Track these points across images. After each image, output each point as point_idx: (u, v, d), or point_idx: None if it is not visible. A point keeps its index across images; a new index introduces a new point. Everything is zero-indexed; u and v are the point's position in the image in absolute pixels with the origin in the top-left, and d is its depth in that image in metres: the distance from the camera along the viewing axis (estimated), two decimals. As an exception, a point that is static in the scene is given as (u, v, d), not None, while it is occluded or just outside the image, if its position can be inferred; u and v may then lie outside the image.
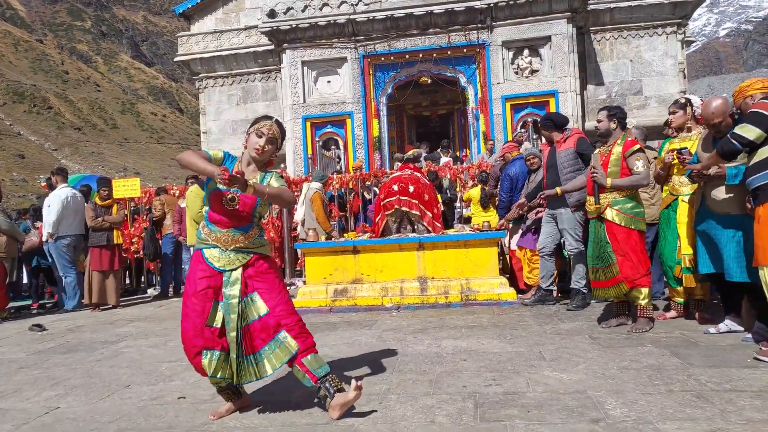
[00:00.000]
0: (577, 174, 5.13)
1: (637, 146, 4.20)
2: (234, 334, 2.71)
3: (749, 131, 3.28)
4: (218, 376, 2.71)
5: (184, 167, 2.78)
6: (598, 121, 4.35)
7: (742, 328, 3.85)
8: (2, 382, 3.83)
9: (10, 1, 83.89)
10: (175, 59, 15.12)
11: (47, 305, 7.87)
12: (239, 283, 2.74)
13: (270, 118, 2.89)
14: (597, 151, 4.48)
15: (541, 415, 2.55)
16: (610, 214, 4.18)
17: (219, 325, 2.72)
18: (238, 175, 2.51)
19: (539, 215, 5.73)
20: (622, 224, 4.15)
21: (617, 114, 4.31)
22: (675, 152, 4.10)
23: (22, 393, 3.51)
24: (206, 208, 2.86)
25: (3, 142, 51.39)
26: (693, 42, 22.18)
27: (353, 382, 2.67)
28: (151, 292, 9.01)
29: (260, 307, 2.73)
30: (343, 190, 9.39)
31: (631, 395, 2.74)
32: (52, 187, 7.61)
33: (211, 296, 2.74)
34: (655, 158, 4.95)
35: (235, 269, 2.75)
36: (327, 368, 2.73)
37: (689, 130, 4.39)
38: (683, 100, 4.44)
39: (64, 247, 7.26)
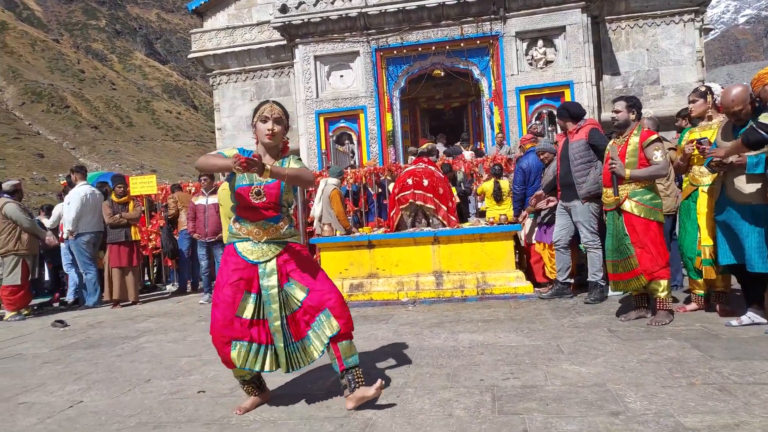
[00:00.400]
0: (588, 166, 5.07)
1: (655, 136, 4.15)
2: (278, 323, 2.73)
3: None
4: (246, 367, 2.72)
5: (205, 170, 2.81)
6: (616, 112, 4.28)
7: (765, 320, 3.79)
8: (27, 376, 3.91)
9: (26, 1, 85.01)
10: (189, 56, 15.22)
11: (67, 302, 7.99)
12: (275, 273, 2.76)
13: (266, 101, 2.90)
14: (612, 141, 4.42)
15: (559, 409, 2.53)
16: (628, 205, 4.12)
17: (249, 317, 2.73)
18: (254, 158, 2.52)
19: (550, 204, 5.68)
20: (642, 215, 4.09)
21: (636, 104, 4.26)
22: (695, 142, 4.03)
23: (46, 387, 3.57)
24: (232, 204, 2.89)
25: (23, 142, 52.23)
26: (711, 30, 21.80)
27: (378, 381, 2.69)
28: (169, 288, 9.11)
29: (299, 291, 2.75)
30: (357, 185, 9.40)
31: (652, 388, 2.71)
32: (71, 184, 7.72)
33: (242, 287, 2.73)
34: (672, 148, 4.88)
35: (269, 260, 2.77)
36: (356, 360, 2.76)
37: (710, 118, 4.31)
38: (703, 89, 4.37)
39: (84, 244, 7.36)
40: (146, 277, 9.45)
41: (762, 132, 3.27)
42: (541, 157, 5.88)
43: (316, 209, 7.62)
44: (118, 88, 73.80)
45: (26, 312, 7.00)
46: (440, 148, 11.05)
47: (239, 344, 2.70)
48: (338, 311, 2.73)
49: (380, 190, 9.37)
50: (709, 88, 4.35)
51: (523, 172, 6.22)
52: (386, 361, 3.56)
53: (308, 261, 2.85)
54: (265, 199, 2.74)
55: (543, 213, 5.90)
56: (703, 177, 4.19)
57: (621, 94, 12.82)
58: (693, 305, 4.45)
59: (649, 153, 4.11)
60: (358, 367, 2.76)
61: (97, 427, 2.77)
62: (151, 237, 9.09)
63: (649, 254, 4.07)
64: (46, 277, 9.22)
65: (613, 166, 4.14)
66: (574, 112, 5.34)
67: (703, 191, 4.18)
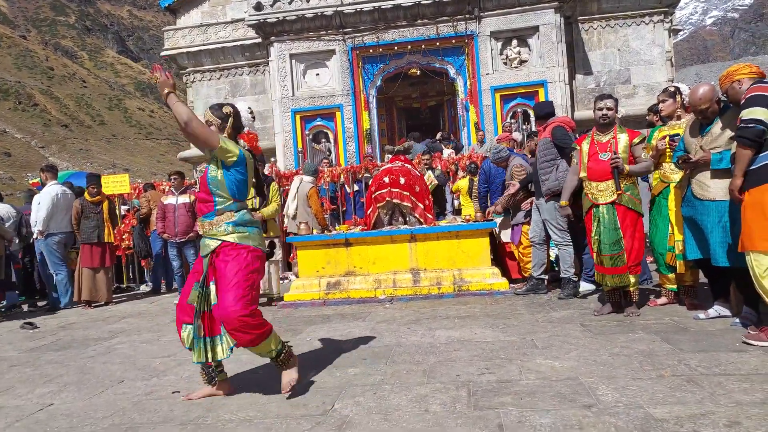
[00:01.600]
0: (551, 164, 5.17)
1: (643, 135, 4.37)
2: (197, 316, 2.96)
3: (761, 113, 3.25)
4: (193, 350, 2.94)
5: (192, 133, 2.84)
6: (608, 109, 4.36)
7: (731, 313, 3.90)
8: (-6, 380, 3.81)
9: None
10: (162, 54, 14.94)
11: (37, 303, 7.80)
12: (206, 269, 2.94)
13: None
14: (587, 140, 4.49)
15: (533, 402, 2.57)
16: (625, 199, 4.24)
17: (195, 304, 2.94)
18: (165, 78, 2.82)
19: (529, 206, 5.80)
20: (635, 209, 4.26)
21: (617, 103, 4.49)
22: (667, 139, 4.13)
23: (15, 390, 3.49)
24: None
25: (-12, 140, 50.70)
26: (680, 30, 22.31)
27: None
28: (143, 288, 8.97)
29: (213, 296, 2.92)
30: (335, 184, 9.39)
31: (623, 381, 2.78)
32: (42, 184, 7.53)
33: (197, 278, 2.98)
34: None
35: (206, 256, 2.95)
36: (272, 354, 2.92)
37: (678, 118, 4.43)
38: (672, 89, 4.48)
39: (54, 244, 7.20)
40: (122, 279, 9.28)
41: (753, 125, 3.26)
42: (500, 165, 6.25)
43: (290, 207, 7.58)
44: (88, 86, 72.17)
45: (-6, 314, 6.82)
46: (418, 146, 11.05)
47: (188, 327, 2.94)
48: (233, 331, 2.82)
49: (357, 188, 9.37)
50: (677, 88, 4.47)
51: (485, 172, 6.66)
52: (363, 359, 3.57)
53: (231, 268, 2.85)
54: (198, 188, 2.86)
55: (517, 218, 6.05)
56: (674, 174, 4.29)
57: (594, 93, 13.04)
58: (663, 299, 4.56)
59: (638, 151, 4.32)
60: (280, 353, 2.94)
61: (69, 430, 2.72)
62: (124, 237, 8.92)
63: (634, 249, 4.24)
64: (13, 278, 8.97)
65: (617, 161, 4.20)
66: (539, 112, 5.51)
67: (675, 187, 4.29)
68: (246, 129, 3.23)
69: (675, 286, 4.47)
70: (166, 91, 2.85)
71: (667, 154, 4.31)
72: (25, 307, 7.72)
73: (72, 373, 3.84)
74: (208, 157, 2.94)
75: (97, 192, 7.47)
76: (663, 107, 4.48)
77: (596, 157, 4.37)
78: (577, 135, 5.38)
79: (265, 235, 6.17)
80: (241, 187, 2.96)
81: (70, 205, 7.39)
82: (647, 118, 5.90)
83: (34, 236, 7.34)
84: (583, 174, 4.49)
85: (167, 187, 9.16)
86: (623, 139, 4.33)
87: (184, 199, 7.20)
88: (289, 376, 2.94)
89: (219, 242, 2.89)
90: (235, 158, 2.89)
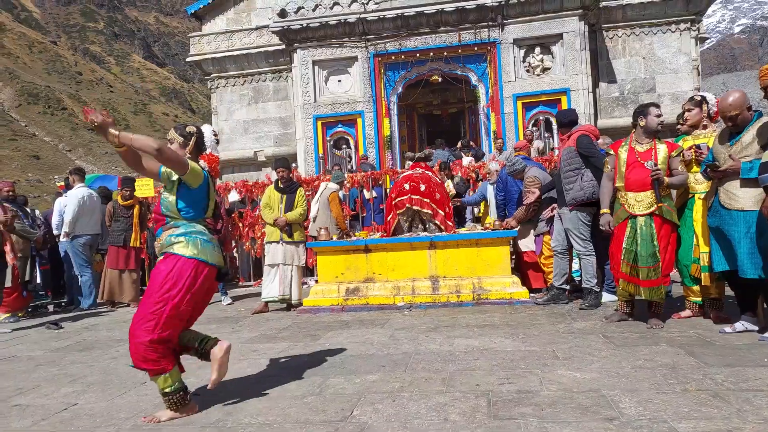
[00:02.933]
0: (576, 173, 5.10)
1: (680, 149, 4.28)
2: None
3: None
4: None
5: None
6: (658, 116, 4.28)
7: (758, 327, 3.81)
8: (21, 378, 3.90)
9: (24, 2, 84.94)
10: (187, 59, 15.19)
11: (62, 304, 7.95)
12: None
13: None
14: (624, 147, 4.38)
15: (554, 414, 2.54)
16: (663, 210, 4.18)
17: None
18: (103, 117, 2.72)
19: (551, 213, 5.75)
20: (672, 219, 4.21)
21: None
22: (693, 149, 4.07)
23: (41, 389, 3.56)
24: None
25: (18, 143, 52.07)
26: (707, 39, 21.96)
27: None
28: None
29: None
30: (357, 189, 9.45)
31: (646, 394, 2.73)
32: (69, 186, 7.70)
33: None
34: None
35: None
36: (170, 389, 2.80)
37: (704, 127, 4.36)
38: (698, 98, 4.42)
39: (80, 246, 7.35)
40: (145, 281, 9.40)
41: None
42: (516, 177, 6.19)
43: (312, 210, 7.63)
44: (115, 91, 73.69)
45: (21, 314, 6.97)
46: (441, 153, 11.05)
47: None
48: (131, 351, 2.80)
49: (375, 195, 9.40)
50: (703, 98, 4.40)
51: (502, 181, 6.61)
52: (382, 365, 3.57)
53: (151, 281, 2.89)
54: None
55: (540, 224, 6.00)
56: (699, 184, 4.22)
57: (617, 101, 12.92)
58: (687, 312, 4.47)
59: (675, 163, 4.25)
60: (171, 395, 2.81)
61: (92, 430, 2.77)
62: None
63: (667, 259, 4.22)
64: (38, 279, 9.15)
65: (658, 173, 4.12)
66: (563, 120, 5.44)
67: (699, 198, 4.22)
68: (208, 151, 3.25)
69: (700, 299, 4.38)
70: (113, 131, 2.72)
71: (693, 162, 4.26)
72: (51, 308, 7.88)
73: (96, 373, 3.90)
74: (163, 182, 2.94)
75: (130, 195, 7.60)
76: (689, 116, 4.41)
77: (634, 167, 4.25)
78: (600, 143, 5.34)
79: (289, 239, 6.24)
80: (199, 206, 3.00)
81: (96, 207, 7.54)
82: (677, 128, 5.87)
83: (61, 238, 7.49)
84: (619, 183, 4.36)
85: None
86: (662, 150, 4.23)
87: None
88: (167, 415, 2.81)
89: (161, 256, 2.94)
90: (201, 180, 2.95)
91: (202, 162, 3.15)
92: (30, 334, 5.81)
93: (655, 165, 4.16)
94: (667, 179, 4.19)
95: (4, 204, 6.38)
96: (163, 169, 2.88)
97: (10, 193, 6.96)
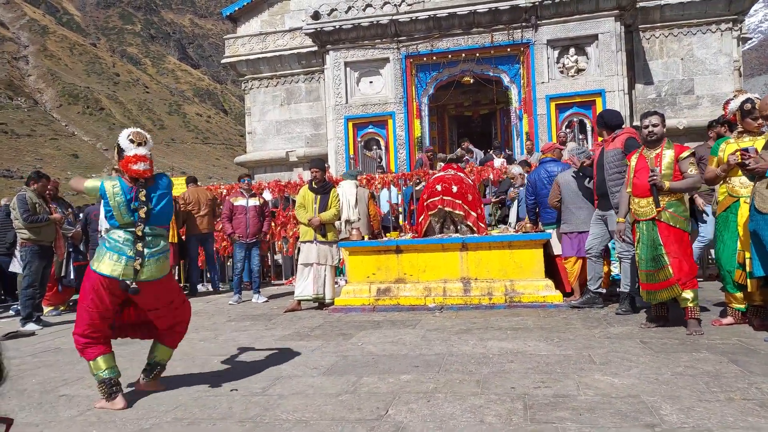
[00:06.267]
0: (623, 176, 5.01)
1: (691, 150, 4.24)
2: None
3: None
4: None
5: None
6: (654, 125, 4.24)
7: (804, 336, 3.69)
8: (67, 369, 4.03)
9: (66, 6, 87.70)
10: (222, 61, 15.45)
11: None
12: None
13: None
14: (638, 153, 4.40)
15: (593, 419, 2.51)
16: (666, 216, 4.15)
17: None
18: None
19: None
20: (678, 226, 4.16)
21: (664, 118, 4.36)
22: (739, 153, 3.96)
23: (85, 381, 3.68)
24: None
25: (59, 143, 53.80)
26: (749, 39, 21.27)
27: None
28: (200, 288, 9.26)
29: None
30: (388, 190, 9.46)
31: (688, 401, 2.67)
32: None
33: None
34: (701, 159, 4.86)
35: None
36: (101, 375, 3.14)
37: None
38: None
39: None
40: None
41: None
42: (587, 163, 5.80)
43: (346, 212, 7.65)
44: (150, 92, 75.49)
45: (63, 308, 7.20)
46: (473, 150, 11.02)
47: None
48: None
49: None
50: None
51: (531, 184, 6.44)
52: (415, 366, 3.57)
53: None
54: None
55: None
56: (743, 188, 4.11)
57: (654, 103, 12.63)
58: (729, 319, 4.35)
59: (684, 166, 4.17)
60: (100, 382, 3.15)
61: (134, 422, 2.85)
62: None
63: (683, 264, 4.12)
64: (71, 275, 9.38)
65: (654, 178, 4.12)
66: (607, 121, 5.29)
67: (745, 202, 4.10)
68: (127, 154, 3.18)
69: (743, 306, 4.26)
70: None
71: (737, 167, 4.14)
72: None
73: (136, 367, 3.98)
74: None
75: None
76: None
77: (640, 173, 4.29)
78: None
79: (322, 239, 6.29)
80: (109, 215, 3.15)
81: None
82: (709, 134, 5.77)
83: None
84: (628, 189, 4.44)
85: (225, 191, 9.45)
86: (668, 155, 4.22)
87: (255, 201, 7.39)
88: (101, 403, 3.09)
89: None
90: (96, 193, 3.20)
91: (121, 171, 3.21)
92: (72, 326, 5.98)
93: (652, 170, 4.14)
94: (668, 184, 4.12)
95: (51, 204, 6.58)
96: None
97: (52, 192, 7.19)
